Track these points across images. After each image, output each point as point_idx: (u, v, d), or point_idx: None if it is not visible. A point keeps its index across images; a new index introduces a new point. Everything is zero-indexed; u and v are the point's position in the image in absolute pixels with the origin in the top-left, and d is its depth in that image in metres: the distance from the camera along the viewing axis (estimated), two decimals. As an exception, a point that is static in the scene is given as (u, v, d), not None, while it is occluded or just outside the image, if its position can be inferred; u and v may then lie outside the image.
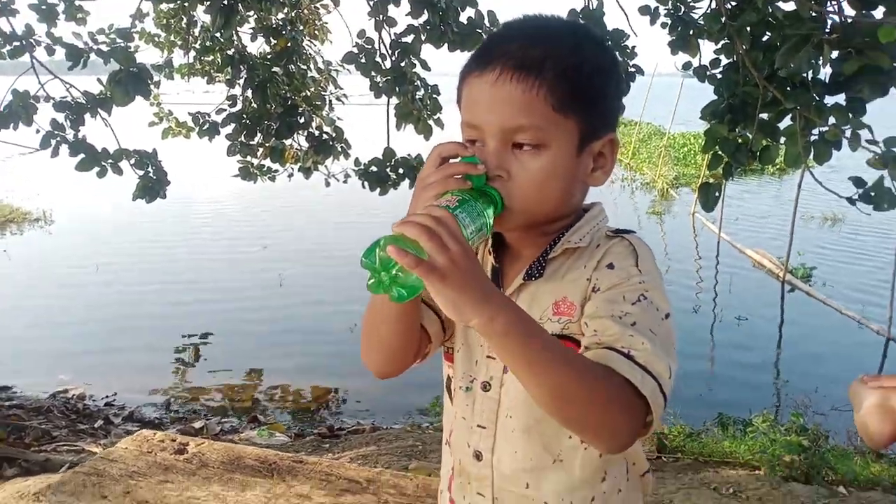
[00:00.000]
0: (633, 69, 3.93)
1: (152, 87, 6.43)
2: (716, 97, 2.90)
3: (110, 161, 4.44)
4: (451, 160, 0.95)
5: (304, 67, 5.22)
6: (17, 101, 4.17)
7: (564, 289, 0.97)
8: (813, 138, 2.58)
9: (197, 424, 4.75)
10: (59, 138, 4.34)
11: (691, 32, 3.13)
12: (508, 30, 1.00)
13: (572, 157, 0.96)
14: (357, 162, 4.69)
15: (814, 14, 2.35)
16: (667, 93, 17.45)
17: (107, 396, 5.56)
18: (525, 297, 1.01)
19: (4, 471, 3.49)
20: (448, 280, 0.76)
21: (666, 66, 4.99)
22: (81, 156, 4.35)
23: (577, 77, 0.93)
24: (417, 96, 4.65)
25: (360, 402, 5.54)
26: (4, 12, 4.16)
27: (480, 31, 4.23)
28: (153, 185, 4.74)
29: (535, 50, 0.92)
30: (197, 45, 5.92)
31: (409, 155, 4.61)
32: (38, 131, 4.31)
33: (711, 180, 2.88)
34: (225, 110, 4.95)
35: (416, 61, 4.46)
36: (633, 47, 3.91)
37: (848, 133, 2.42)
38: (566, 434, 0.99)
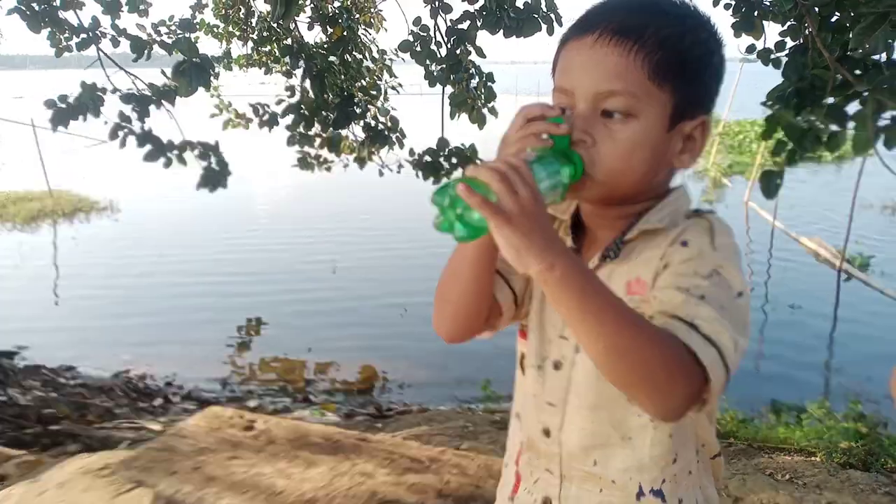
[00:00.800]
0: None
1: (213, 78, 6.65)
2: (782, 81, 2.84)
3: (175, 152, 4.58)
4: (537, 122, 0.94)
5: (360, 57, 5.27)
6: (86, 94, 4.32)
7: (638, 268, 0.95)
8: (884, 123, 2.51)
9: (251, 403, 4.87)
10: (126, 130, 4.48)
11: (756, 13, 3.07)
12: (613, 1, 0.98)
13: (662, 132, 0.93)
14: (411, 152, 4.73)
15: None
16: (724, 79, 16.95)
17: (166, 376, 5.76)
18: (603, 277, 0.97)
19: (68, 447, 3.65)
20: (513, 224, 0.76)
21: (726, 50, 4.89)
22: (148, 147, 4.49)
23: (678, 47, 0.91)
24: (472, 84, 4.65)
25: (408, 386, 5.62)
26: (72, 5, 4.30)
27: (537, 16, 4.22)
28: (216, 176, 4.86)
29: (637, 17, 0.91)
30: (255, 36, 6.02)
31: (462, 145, 4.63)
32: (105, 123, 4.46)
33: (774, 167, 2.82)
34: (283, 101, 5.03)
35: (471, 48, 4.46)
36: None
37: (923, 116, 2.35)
38: (635, 413, 0.98)
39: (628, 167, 0.93)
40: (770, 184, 2.83)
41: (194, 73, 4.03)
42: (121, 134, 4.48)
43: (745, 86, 12.50)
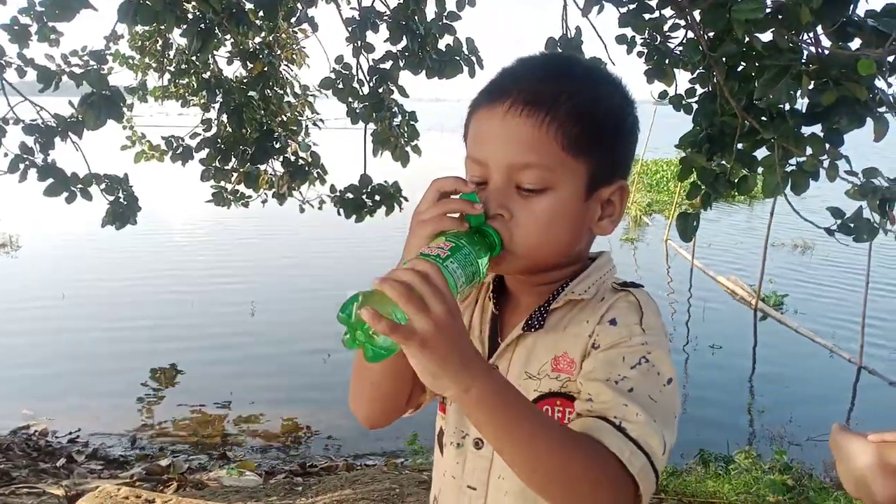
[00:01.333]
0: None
1: (125, 109, 6.40)
2: (693, 127, 2.91)
3: (80, 186, 4.34)
4: (451, 195, 0.90)
5: (281, 92, 5.18)
6: (-16, 124, 4.07)
7: (565, 343, 0.92)
8: (791, 168, 2.59)
9: (164, 462, 4.58)
10: (27, 162, 4.23)
11: (667, 62, 3.16)
12: (522, 65, 0.95)
13: (579, 202, 0.92)
14: (333, 189, 4.65)
15: (791, 45, 2.37)
16: (640, 120, 17.63)
17: (70, 433, 5.38)
18: (523, 348, 0.96)
19: (-40, 514, 3.33)
20: (427, 348, 0.72)
21: (640, 93, 5.04)
22: (50, 180, 4.24)
23: (591, 116, 0.89)
24: (395, 122, 4.63)
25: (331, 438, 5.43)
26: (-26, 33, 4.07)
27: (458, 58, 4.25)
28: (123, 211, 4.63)
29: (548, 85, 0.89)
30: (172, 68, 5.86)
31: (385, 182, 4.57)
32: (6, 154, 4.21)
33: (689, 210, 2.88)
34: (199, 135, 4.89)
35: (393, 87, 4.44)
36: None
37: (826, 164, 2.43)
38: None
39: (547, 240, 0.90)
40: (687, 226, 2.88)
41: (103, 105, 3.85)
42: (21, 166, 4.23)
43: (660, 125, 12.99)
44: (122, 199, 4.64)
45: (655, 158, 20.67)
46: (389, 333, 0.69)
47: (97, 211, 4.49)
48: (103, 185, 4.56)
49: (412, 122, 4.68)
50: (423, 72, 4.24)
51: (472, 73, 4.28)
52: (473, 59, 4.20)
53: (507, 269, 0.95)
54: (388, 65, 4.31)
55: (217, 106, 4.78)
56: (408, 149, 4.61)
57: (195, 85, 5.42)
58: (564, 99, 0.87)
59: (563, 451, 0.77)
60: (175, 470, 4.34)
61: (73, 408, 5.77)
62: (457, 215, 0.87)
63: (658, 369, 0.86)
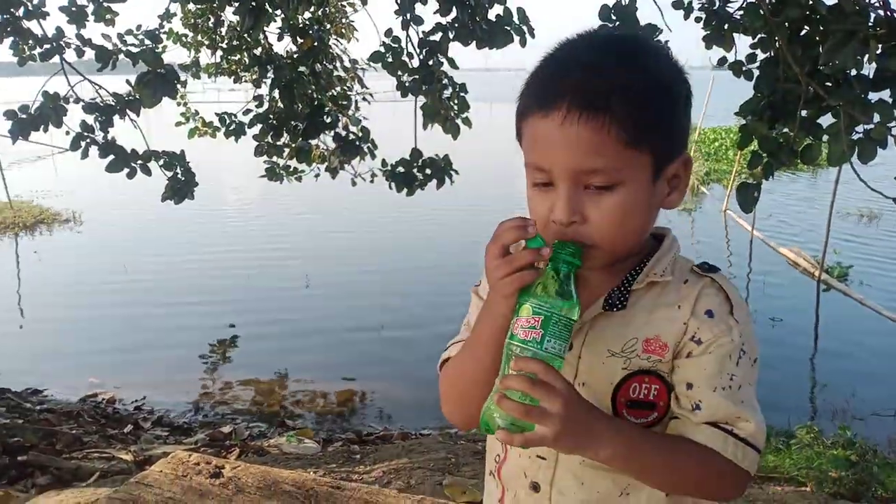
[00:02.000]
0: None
1: (179, 87, 6.52)
2: (754, 94, 2.81)
3: (139, 162, 4.46)
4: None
5: (331, 67, 5.19)
6: (47, 103, 4.19)
7: (656, 327, 0.95)
8: (857, 136, 2.47)
9: (225, 429, 4.72)
10: (88, 140, 4.37)
11: (726, 27, 3.04)
12: (567, 59, 0.91)
13: (648, 188, 0.92)
14: (384, 163, 4.65)
15: (858, 8, 2.25)
16: (697, 88, 17.13)
17: (136, 400, 5.58)
18: (603, 326, 0.97)
19: (36, 478, 3.50)
20: (563, 430, 0.83)
21: (696, 59, 4.88)
22: (111, 157, 4.37)
23: (648, 104, 0.88)
24: (445, 95, 4.59)
25: (385, 408, 5.50)
26: (35, 15, 4.18)
27: (509, 28, 4.18)
28: (181, 187, 4.75)
29: (599, 81, 0.85)
30: (224, 45, 5.92)
31: (436, 155, 4.56)
32: (67, 133, 4.34)
33: (750, 180, 2.78)
34: (251, 111, 4.94)
35: (443, 59, 4.40)
36: (667, 42, 3.84)
37: (894, 131, 2.31)
38: None
39: (624, 232, 0.92)
40: (748, 196, 2.79)
41: (158, 84, 3.93)
42: (83, 144, 4.37)
43: (719, 92, 12.58)
44: (179, 175, 4.76)
45: (714, 126, 20.06)
46: (530, 419, 0.83)
47: (157, 187, 4.61)
48: (161, 162, 4.68)
49: (462, 95, 4.64)
50: (473, 43, 4.19)
51: (522, 43, 4.21)
52: (524, 28, 4.12)
53: (592, 266, 0.94)
54: (437, 37, 4.27)
55: (268, 82, 4.81)
56: (458, 121, 4.57)
57: (247, 61, 5.47)
58: (619, 95, 0.85)
59: (685, 471, 0.92)
60: (237, 436, 4.47)
61: (137, 377, 5.97)
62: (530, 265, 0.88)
63: (751, 356, 0.95)
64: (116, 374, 5.98)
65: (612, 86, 0.85)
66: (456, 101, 4.59)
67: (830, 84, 2.45)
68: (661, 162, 0.91)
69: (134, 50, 4.38)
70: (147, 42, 4.31)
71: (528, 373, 0.84)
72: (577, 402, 0.85)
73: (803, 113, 2.61)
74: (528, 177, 0.94)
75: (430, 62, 4.35)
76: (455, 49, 4.41)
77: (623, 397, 0.95)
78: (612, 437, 0.87)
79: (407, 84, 4.43)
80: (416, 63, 4.38)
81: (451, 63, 4.47)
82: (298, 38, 5.11)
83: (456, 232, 10.61)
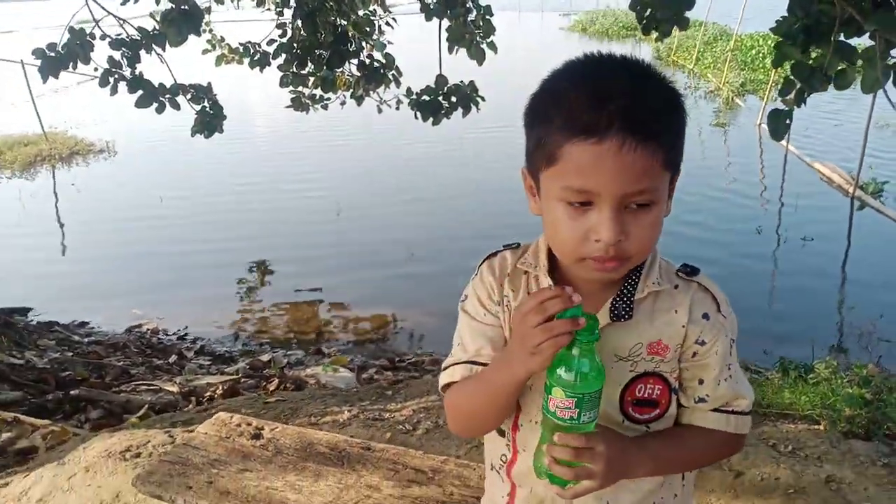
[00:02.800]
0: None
1: (205, 15, 6.44)
2: (788, 15, 2.71)
3: (168, 96, 4.50)
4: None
5: (354, -6, 5.07)
6: (74, 40, 4.21)
7: (658, 332, 1.05)
8: (893, 61, 2.40)
9: (264, 357, 4.90)
10: (116, 75, 4.40)
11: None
12: (603, 80, 0.92)
13: (667, 202, 1.00)
14: (409, 91, 4.61)
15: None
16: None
17: (178, 330, 5.78)
18: (610, 335, 1.03)
19: (89, 413, 3.72)
20: (609, 479, 1.00)
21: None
22: (140, 92, 4.41)
23: (679, 128, 0.96)
24: (470, 18, 4.49)
25: (416, 332, 5.64)
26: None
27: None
28: (210, 120, 4.79)
29: (647, 108, 0.90)
30: (249, -31, 5.80)
31: (461, 82, 4.50)
32: (96, 69, 4.37)
33: (782, 105, 2.73)
34: (275, 41, 4.89)
35: (467, -18, 4.29)
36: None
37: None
38: None
39: (652, 245, 1.00)
40: (779, 124, 2.74)
41: (183, 21, 3.91)
42: (111, 80, 4.40)
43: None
44: (207, 109, 4.79)
45: (751, 32, 19.16)
46: (583, 479, 0.99)
47: (186, 115, 4.65)
48: (189, 95, 4.71)
49: (488, 17, 4.53)
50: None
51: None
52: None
53: (619, 276, 1.02)
54: (461, -42, 4.16)
55: (291, 11, 4.74)
56: (483, 45, 4.48)
57: (269, -12, 5.37)
58: (662, 122, 0.92)
59: (698, 455, 1.12)
60: (275, 365, 4.65)
61: (178, 306, 6.18)
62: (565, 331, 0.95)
63: (734, 338, 1.09)
64: (158, 305, 6.19)
65: (657, 112, 0.91)
66: (481, 24, 4.49)
67: (867, 6, 2.36)
68: (676, 173, 1.00)
69: (156, -17, 4.33)
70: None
71: (570, 445, 0.97)
72: (614, 451, 0.99)
73: (839, 37, 2.53)
74: (557, 195, 0.95)
75: (454, -16, 4.24)
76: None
77: (629, 396, 1.06)
78: (642, 460, 1.03)
79: (431, 6, 4.34)
80: (439, -14, 4.28)
81: (476, -15, 4.35)
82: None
83: (485, 159, 10.51)
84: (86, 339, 5.35)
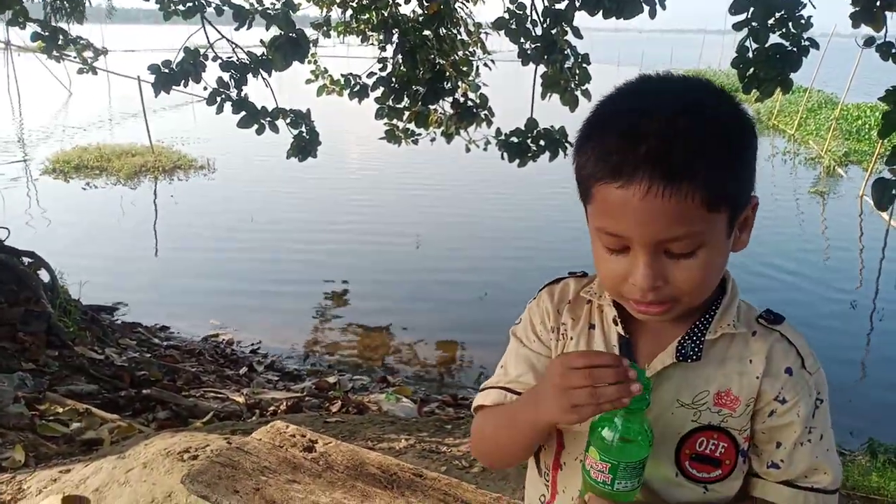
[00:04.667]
0: (806, 42, 3.61)
1: (311, 47, 6.73)
2: (902, 82, 2.60)
3: (268, 119, 4.70)
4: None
5: (454, 31, 5.19)
6: (188, 59, 4.46)
7: (727, 380, 0.95)
8: None
9: (331, 379, 4.96)
10: (224, 95, 4.63)
11: (878, 4, 2.82)
12: (635, 118, 0.84)
13: (725, 242, 0.90)
14: (498, 131, 4.65)
15: None
16: (842, 56, 15.85)
17: (252, 344, 5.94)
18: (672, 377, 0.95)
19: (157, 413, 3.85)
20: None
21: (844, 25, 4.52)
22: (243, 113, 4.62)
23: (725, 164, 0.84)
24: (567, 65, 4.51)
25: (483, 373, 5.59)
26: (179, -28, 4.42)
27: (640, -3, 4.03)
28: (306, 145, 4.96)
29: (679, 149, 0.81)
30: (354, 4, 6.04)
31: (551, 126, 4.51)
32: (205, 88, 4.62)
33: (889, 175, 2.60)
34: (375, 74, 5.04)
35: (567, 28, 4.32)
36: (809, 18, 3.59)
37: None
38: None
39: (707, 287, 0.91)
40: (884, 193, 2.61)
41: (290, 48, 4.10)
42: (218, 99, 4.63)
43: (868, 66, 11.58)
44: (304, 134, 4.97)
45: (858, 102, 18.49)
46: None
47: (284, 140, 4.83)
48: (288, 120, 4.90)
49: (584, 65, 4.54)
50: (600, 13, 4.08)
51: (652, 14, 4.06)
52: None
53: (670, 318, 0.93)
54: (563, 4, 4.19)
55: (393, 46, 4.89)
56: (577, 92, 4.49)
57: (374, 22, 5.56)
58: (701, 162, 0.82)
59: None
60: (340, 388, 4.70)
61: (254, 321, 6.36)
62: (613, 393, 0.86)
63: (824, 399, 0.97)
64: (236, 317, 6.39)
65: (692, 152, 0.82)
66: (577, 72, 4.50)
67: None
68: (736, 214, 0.89)
69: (270, 11, 4.56)
70: (278, 7, 4.45)
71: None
72: None
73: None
74: (596, 238, 0.91)
75: (554, 31, 4.28)
76: (581, 18, 4.32)
77: (689, 450, 0.95)
78: None
79: (529, 52, 4.38)
80: (539, 31, 4.32)
81: (576, 33, 4.38)
82: (425, 1, 5.15)
83: (570, 203, 10.47)
84: (164, 343, 5.57)
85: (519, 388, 1.04)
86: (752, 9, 3.48)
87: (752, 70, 3.83)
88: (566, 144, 4.59)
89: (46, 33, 4.99)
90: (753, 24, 3.54)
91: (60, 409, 3.31)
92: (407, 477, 1.57)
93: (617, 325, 0.99)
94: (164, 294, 6.96)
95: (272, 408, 3.91)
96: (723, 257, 0.90)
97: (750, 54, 3.73)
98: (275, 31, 4.21)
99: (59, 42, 5.16)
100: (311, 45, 4.39)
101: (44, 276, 5.31)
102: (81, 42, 5.41)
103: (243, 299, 6.84)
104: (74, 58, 5.59)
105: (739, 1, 3.49)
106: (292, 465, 1.58)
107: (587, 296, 1.03)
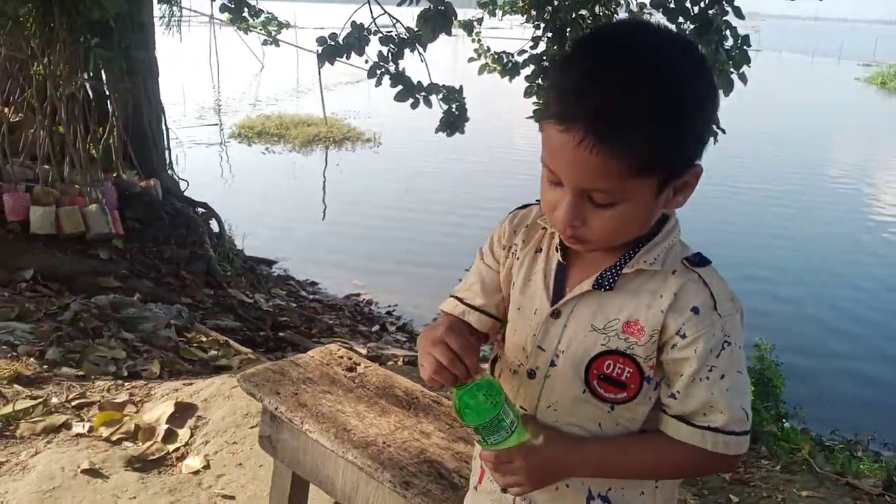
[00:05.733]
0: None
1: (476, 24, 6.85)
2: None
3: (423, 94, 4.87)
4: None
5: (611, 11, 5.09)
6: (353, 33, 4.73)
7: (637, 310, 0.99)
8: None
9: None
10: (383, 69, 4.86)
11: None
12: (588, 70, 0.88)
13: (650, 202, 0.93)
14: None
15: None
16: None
17: (389, 305, 6.23)
18: (590, 303, 1.02)
19: (287, 353, 4.19)
20: (529, 489, 1.03)
21: None
22: (399, 87, 4.84)
23: (666, 134, 0.86)
24: (725, 46, 4.28)
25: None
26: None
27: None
28: (454, 121, 5.10)
29: (618, 112, 0.84)
30: (520, -18, 6.05)
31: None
32: (367, 61, 4.87)
33: None
34: (526, 52, 5.07)
35: (728, 7, 4.10)
36: None
37: None
38: (603, 429, 1.04)
39: (622, 235, 0.97)
40: None
41: (437, 20, 4.23)
42: (378, 73, 4.88)
43: None
44: (454, 110, 5.10)
45: None
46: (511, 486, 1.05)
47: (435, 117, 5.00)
48: (441, 95, 5.06)
49: (744, 48, 4.28)
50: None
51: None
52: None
53: (584, 252, 1.02)
54: (725, -18, 3.99)
55: (544, 24, 4.88)
56: (734, 76, 4.25)
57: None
58: (637, 128, 0.85)
59: (664, 469, 1.04)
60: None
61: (394, 285, 6.65)
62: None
63: (738, 343, 0.98)
64: (379, 280, 6.74)
65: (631, 117, 0.84)
66: (735, 54, 4.26)
67: None
68: (669, 180, 0.92)
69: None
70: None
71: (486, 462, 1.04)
72: (535, 462, 1.00)
73: None
74: (543, 169, 0.96)
75: (712, 11, 4.07)
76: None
77: (597, 370, 1.00)
78: (582, 464, 1.02)
79: (686, 32, 4.21)
80: (696, 10, 4.14)
81: (738, 13, 4.15)
82: (584, -20, 5.08)
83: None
84: (310, 296, 6.00)
85: (468, 299, 1.14)
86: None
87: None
88: (717, 131, 4.37)
89: (233, 5, 5.45)
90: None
91: (204, 339, 3.74)
92: (426, 402, 1.70)
93: (558, 252, 1.05)
94: (319, 253, 7.46)
95: (390, 362, 4.13)
96: (644, 213, 0.95)
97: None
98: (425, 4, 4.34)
99: (244, 14, 5.64)
100: (455, 13, 4.46)
101: (214, 226, 5.91)
102: (266, 15, 5.89)
103: (388, 265, 7.20)
104: (261, 30, 6.10)
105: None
106: (331, 379, 1.75)
107: (542, 223, 1.09)
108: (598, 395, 1.01)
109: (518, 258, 1.10)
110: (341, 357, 1.87)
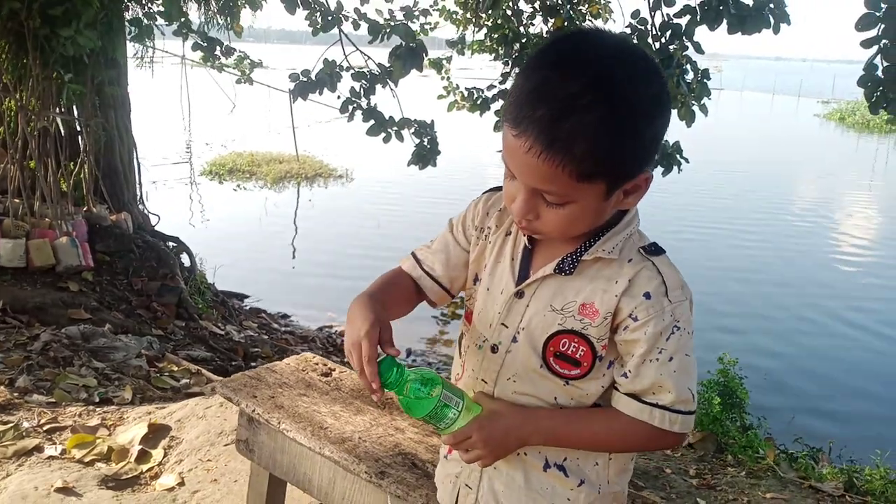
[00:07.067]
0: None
1: (444, 62, 7.02)
2: None
3: (395, 128, 4.97)
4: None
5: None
6: (325, 69, 4.84)
7: (592, 294, 1.07)
8: None
9: (428, 376, 5.13)
10: (355, 104, 4.96)
11: None
12: (541, 82, 0.93)
13: (599, 204, 1.00)
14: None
15: None
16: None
17: (361, 338, 6.22)
18: (551, 285, 1.09)
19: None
20: (488, 459, 1.10)
21: None
22: (371, 122, 4.93)
23: (610, 145, 0.92)
24: (686, 79, 4.47)
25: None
26: (326, -13, 4.78)
27: (765, 12, 3.96)
28: (426, 154, 5.20)
29: (566, 124, 0.90)
30: (489, 23, 6.25)
31: (666, 140, 4.47)
32: (339, 97, 4.97)
33: None
34: (495, 87, 5.22)
35: (688, 43, 4.30)
36: None
37: None
38: (559, 402, 1.11)
39: (571, 231, 1.05)
40: None
41: (408, 56, 4.36)
42: (350, 108, 4.98)
43: None
44: (426, 143, 5.21)
45: None
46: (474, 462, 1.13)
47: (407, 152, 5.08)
48: (413, 129, 5.16)
49: (705, 80, 4.48)
50: (726, 26, 4.04)
51: (776, 29, 3.98)
52: (778, 12, 3.88)
53: (543, 239, 1.10)
54: (683, 20, 4.18)
55: (511, 61, 5.04)
56: (695, 108, 4.43)
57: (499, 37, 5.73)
58: (583, 140, 0.91)
59: (612, 441, 1.11)
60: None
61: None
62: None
63: (686, 329, 1.05)
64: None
65: (578, 129, 0.90)
66: (695, 87, 4.45)
67: None
68: (617, 184, 0.99)
69: (391, 23, 4.83)
70: (400, 18, 4.71)
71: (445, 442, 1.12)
72: (489, 434, 1.08)
73: None
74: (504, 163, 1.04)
75: (673, 46, 4.26)
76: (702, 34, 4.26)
77: (553, 347, 1.08)
78: (534, 434, 1.09)
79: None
80: (657, 46, 4.33)
81: (697, 47, 4.34)
82: (549, 18, 5.28)
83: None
84: (282, 329, 5.99)
85: (427, 262, 1.25)
86: (881, 26, 3.34)
87: (880, 90, 3.65)
88: (680, 160, 4.54)
89: (205, 44, 5.54)
90: (884, 41, 3.39)
91: (175, 368, 3.73)
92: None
93: (524, 236, 1.12)
94: (291, 285, 7.48)
95: (363, 389, 4.15)
96: (594, 213, 1.02)
97: (879, 73, 3.57)
98: (396, 41, 4.46)
99: (216, 53, 5.72)
100: (427, 55, 4.60)
101: (185, 260, 5.89)
102: (238, 54, 5.98)
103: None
104: (234, 68, 6.18)
105: (867, 18, 3.35)
106: (307, 383, 1.80)
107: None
108: (553, 370, 1.09)
109: (490, 241, 1.18)
110: (316, 364, 1.91)
